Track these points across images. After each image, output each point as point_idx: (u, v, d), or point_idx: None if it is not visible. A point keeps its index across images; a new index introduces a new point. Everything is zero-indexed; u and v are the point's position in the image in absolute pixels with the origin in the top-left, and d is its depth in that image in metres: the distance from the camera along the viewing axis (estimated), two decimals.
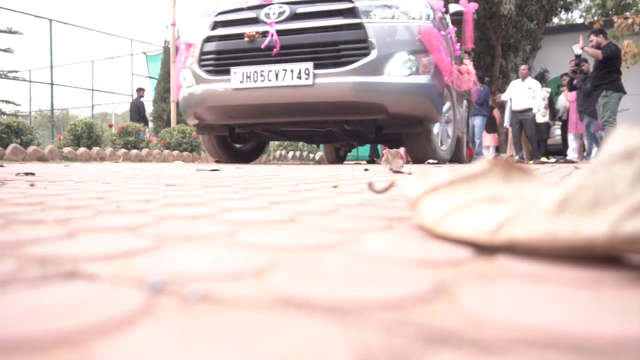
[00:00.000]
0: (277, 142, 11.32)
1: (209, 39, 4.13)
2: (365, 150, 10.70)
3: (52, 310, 0.25)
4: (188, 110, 4.32)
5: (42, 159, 6.40)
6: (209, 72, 4.09)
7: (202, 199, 0.84)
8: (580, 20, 18.76)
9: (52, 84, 10.00)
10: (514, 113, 8.81)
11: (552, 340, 0.21)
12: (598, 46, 6.67)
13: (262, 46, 3.84)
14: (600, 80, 6.69)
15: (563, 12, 15.68)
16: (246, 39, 3.91)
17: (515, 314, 0.25)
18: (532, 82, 8.62)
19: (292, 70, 3.79)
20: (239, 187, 1.12)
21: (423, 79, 3.88)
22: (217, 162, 5.02)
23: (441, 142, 4.54)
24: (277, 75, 3.81)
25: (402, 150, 9.94)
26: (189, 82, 4.22)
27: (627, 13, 12.24)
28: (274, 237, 0.47)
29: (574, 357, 0.20)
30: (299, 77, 3.77)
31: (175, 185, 1.20)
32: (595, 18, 15.71)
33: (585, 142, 8.21)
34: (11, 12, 9.77)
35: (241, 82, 3.87)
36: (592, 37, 6.73)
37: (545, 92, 8.99)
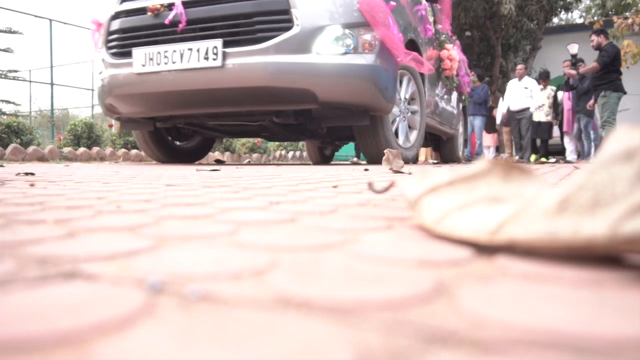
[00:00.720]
0: (277, 142, 11.32)
1: (116, 16, 3.46)
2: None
3: (52, 310, 0.25)
4: (100, 101, 3.66)
5: (42, 159, 6.41)
6: (114, 55, 3.45)
7: (202, 199, 0.84)
8: (580, 20, 18.77)
9: (52, 84, 10.00)
10: (512, 113, 8.81)
11: (552, 340, 0.21)
12: (598, 46, 6.68)
13: (166, 21, 3.19)
14: (599, 80, 6.71)
15: (563, 12, 15.69)
16: (149, 13, 3.28)
17: (515, 314, 0.25)
18: (529, 82, 8.61)
19: (198, 50, 3.09)
20: (239, 187, 1.12)
21: (364, 58, 3.12)
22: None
23: (403, 137, 3.82)
24: (182, 56, 3.14)
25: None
26: (99, 68, 3.57)
27: (627, 13, 12.25)
28: (274, 237, 0.47)
29: (574, 357, 0.20)
30: (206, 58, 3.07)
31: (175, 185, 1.20)
32: (595, 18, 15.72)
33: (584, 143, 8.21)
34: (11, 12, 9.76)
35: (143, 66, 3.23)
36: (593, 37, 6.75)
37: (550, 90, 8.95)
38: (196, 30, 3.20)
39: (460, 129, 6.84)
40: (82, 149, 7.14)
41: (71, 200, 0.80)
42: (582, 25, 13.70)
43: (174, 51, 3.16)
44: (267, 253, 0.40)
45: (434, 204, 0.47)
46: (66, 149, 6.98)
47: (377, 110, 3.33)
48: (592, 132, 8.00)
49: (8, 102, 10.37)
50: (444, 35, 5.07)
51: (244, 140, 10.31)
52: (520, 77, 8.66)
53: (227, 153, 9.77)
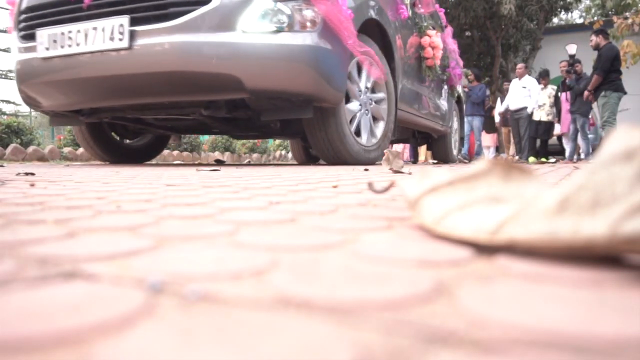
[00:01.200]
0: (277, 142, 11.32)
1: None
2: None
3: (52, 310, 0.25)
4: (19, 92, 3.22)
5: (42, 159, 6.41)
6: (23, 37, 3.00)
7: (202, 199, 0.84)
8: (580, 21, 18.78)
9: None
10: (511, 113, 8.81)
11: (552, 340, 0.21)
12: (597, 46, 6.70)
13: None
14: None
15: (563, 12, 15.71)
16: None
17: (515, 314, 0.25)
18: (527, 81, 8.58)
19: (103, 29, 2.63)
20: (239, 187, 1.12)
21: (302, 38, 2.62)
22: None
23: (361, 134, 3.28)
24: (86, 36, 2.67)
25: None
26: (14, 53, 3.15)
27: (627, 13, 12.26)
28: (274, 237, 0.47)
29: (574, 357, 0.20)
30: (112, 38, 2.61)
31: (175, 185, 1.20)
32: (595, 18, 15.73)
33: (581, 143, 8.20)
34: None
35: (47, 49, 2.79)
36: (593, 37, 6.76)
37: (550, 89, 8.94)
38: (103, 5, 2.72)
39: (455, 127, 6.30)
40: (82, 149, 7.15)
41: (71, 200, 0.80)
42: (582, 25, 13.73)
43: (78, 31, 2.69)
44: (267, 253, 0.40)
45: (434, 204, 0.47)
46: (66, 149, 6.99)
47: (322, 101, 2.81)
48: (588, 132, 8.01)
49: (8, 102, 10.37)
50: (426, 21, 4.50)
51: (243, 140, 10.32)
52: (520, 77, 8.65)
53: (227, 153, 9.78)
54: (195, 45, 2.54)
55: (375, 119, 3.46)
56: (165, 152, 8.13)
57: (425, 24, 4.44)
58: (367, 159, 3.24)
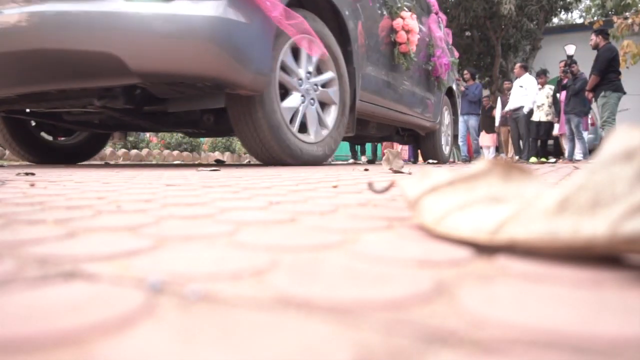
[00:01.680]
0: None
1: None
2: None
3: (52, 310, 0.25)
4: None
5: None
6: None
7: (202, 199, 0.84)
8: (580, 21, 18.79)
9: None
10: (511, 112, 8.82)
11: (552, 340, 0.21)
12: (596, 46, 6.72)
13: None
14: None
15: (563, 12, 15.72)
16: None
17: (515, 314, 0.25)
18: (524, 80, 8.58)
19: None
20: (239, 187, 1.12)
21: (204, 8, 2.08)
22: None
23: (314, 129, 2.79)
24: None
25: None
26: None
27: (627, 13, 12.26)
28: (274, 237, 0.47)
29: (574, 357, 0.20)
30: None
31: (175, 185, 1.20)
32: (595, 18, 15.75)
33: (577, 144, 8.19)
34: None
35: None
36: (593, 37, 6.79)
37: (548, 89, 8.93)
38: None
39: (446, 123, 5.77)
40: None
41: (71, 200, 0.80)
42: (582, 25, 13.74)
43: None
44: (267, 253, 0.40)
45: (434, 204, 0.47)
46: None
47: (237, 87, 2.28)
48: (584, 132, 8.00)
49: None
50: (400, 1, 3.94)
51: None
52: (518, 76, 8.66)
53: (227, 153, 9.78)
54: (62, 16, 2.03)
55: (323, 104, 2.90)
56: (166, 152, 8.13)
57: (398, 4, 3.87)
58: (312, 158, 2.78)
